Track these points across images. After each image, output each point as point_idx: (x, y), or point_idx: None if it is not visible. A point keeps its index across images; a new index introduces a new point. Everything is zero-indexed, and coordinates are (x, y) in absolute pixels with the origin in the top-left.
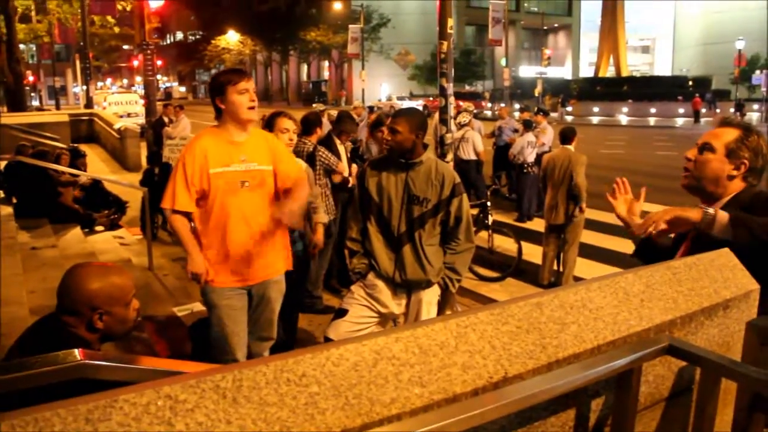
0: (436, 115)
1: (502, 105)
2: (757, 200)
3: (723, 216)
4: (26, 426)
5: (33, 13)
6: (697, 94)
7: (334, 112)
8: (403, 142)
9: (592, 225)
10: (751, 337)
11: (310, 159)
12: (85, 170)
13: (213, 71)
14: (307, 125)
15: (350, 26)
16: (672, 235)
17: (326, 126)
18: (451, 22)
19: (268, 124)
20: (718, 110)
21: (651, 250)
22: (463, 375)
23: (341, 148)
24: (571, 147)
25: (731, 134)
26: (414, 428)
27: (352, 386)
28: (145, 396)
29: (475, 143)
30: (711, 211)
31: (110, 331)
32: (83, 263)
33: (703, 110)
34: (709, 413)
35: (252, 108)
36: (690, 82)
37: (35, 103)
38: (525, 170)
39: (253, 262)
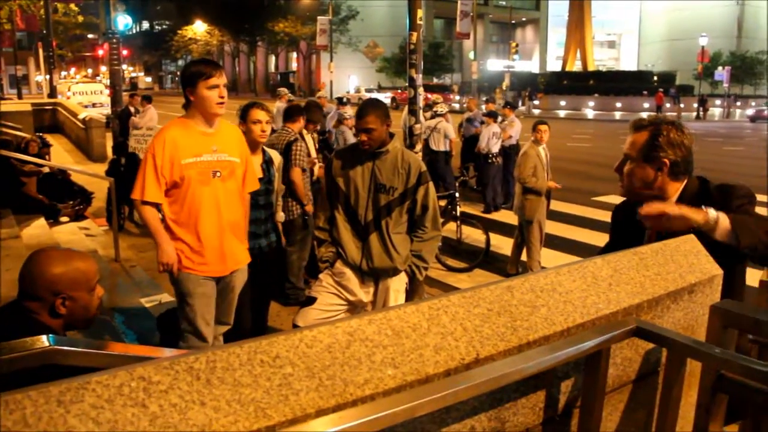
0: (406, 108)
1: (470, 97)
2: (718, 192)
3: (724, 220)
4: None
5: None
6: (660, 90)
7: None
8: (379, 137)
9: (558, 216)
10: (714, 319)
11: (288, 148)
12: (49, 160)
13: (180, 62)
14: (290, 113)
15: (319, 18)
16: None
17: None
18: (420, 13)
19: (242, 116)
20: (682, 105)
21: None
22: (436, 356)
23: (308, 138)
24: (533, 140)
25: (642, 137)
26: (387, 409)
27: (325, 367)
28: (118, 378)
29: (447, 132)
30: (713, 214)
31: (73, 317)
32: (46, 248)
33: (668, 105)
34: (674, 394)
35: (221, 104)
36: (655, 78)
37: None
38: (489, 161)
39: (225, 251)
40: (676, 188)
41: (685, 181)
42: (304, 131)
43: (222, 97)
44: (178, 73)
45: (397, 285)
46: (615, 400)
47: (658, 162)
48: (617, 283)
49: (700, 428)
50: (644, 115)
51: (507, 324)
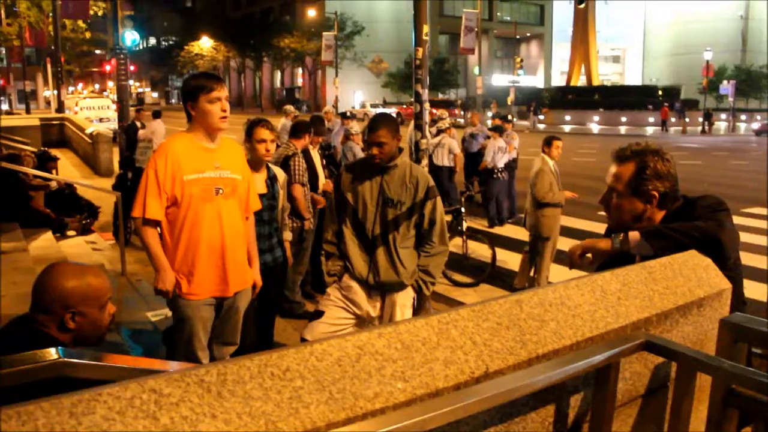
0: (412, 123)
1: (474, 111)
2: (687, 205)
3: (635, 235)
4: (9, 420)
5: (2, 16)
6: (665, 104)
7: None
8: (390, 151)
9: (564, 231)
10: (724, 333)
11: (285, 162)
12: (56, 174)
13: (186, 77)
14: (297, 129)
15: (324, 34)
16: None
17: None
18: (426, 28)
19: (248, 132)
20: (687, 119)
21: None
22: (445, 370)
23: (314, 153)
24: (544, 155)
25: (629, 170)
26: (397, 422)
27: (335, 381)
28: (129, 390)
29: (452, 147)
30: (620, 236)
31: (82, 333)
32: (61, 261)
33: (672, 119)
34: (684, 409)
35: (223, 118)
36: (660, 92)
37: (5, 107)
38: (495, 175)
39: (227, 272)
40: (662, 215)
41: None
42: (310, 146)
43: (224, 111)
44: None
45: (404, 300)
46: (625, 415)
47: (648, 195)
48: (626, 297)
49: None
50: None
51: (516, 338)
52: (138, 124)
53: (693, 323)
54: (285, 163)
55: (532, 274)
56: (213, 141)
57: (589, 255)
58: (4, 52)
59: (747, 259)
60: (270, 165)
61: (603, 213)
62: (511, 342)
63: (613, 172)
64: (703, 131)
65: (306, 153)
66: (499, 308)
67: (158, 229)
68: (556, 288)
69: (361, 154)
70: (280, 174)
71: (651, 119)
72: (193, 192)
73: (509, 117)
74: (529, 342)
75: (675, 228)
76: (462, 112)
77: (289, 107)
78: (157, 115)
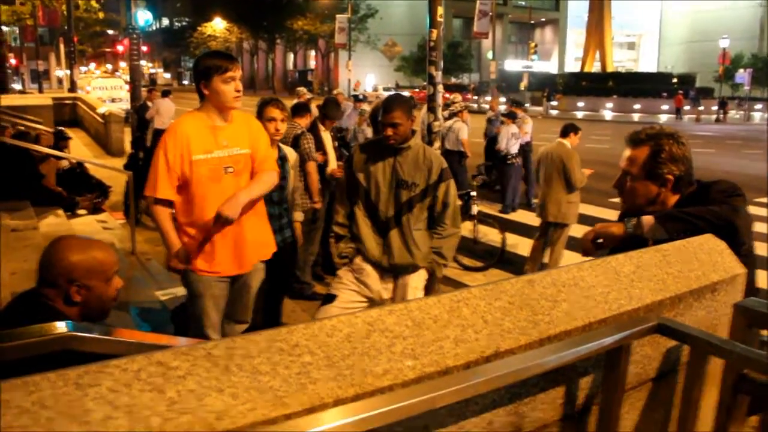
0: (425, 106)
1: (489, 98)
2: (702, 189)
3: (648, 219)
4: (15, 390)
5: None
6: (680, 92)
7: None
8: (404, 132)
9: (579, 218)
10: (738, 318)
11: (296, 142)
12: (68, 153)
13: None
14: (297, 109)
15: (338, 16)
16: None
17: (314, 114)
18: (440, 10)
19: (258, 113)
20: (701, 107)
21: None
22: (456, 348)
23: (326, 135)
24: (566, 142)
25: (643, 153)
26: (406, 399)
27: (344, 357)
28: (136, 362)
29: (460, 132)
30: (633, 220)
31: (88, 306)
32: (66, 235)
33: (687, 107)
34: (695, 393)
35: (237, 98)
36: (674, 80)
37: (17, 86)
38: (508, 161)
39: (239, 250)
40: (676, 199)
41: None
42: (322, 128)
43: (238, 91)
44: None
45: (416, 282)
46: (634, 398)
47: (662, 179)
48: (639, 280)
49: (721, 429)
50: (646, 124)
51: (528, 318)
52: (149, 104)
53: (706, 307)
54: (295, 142)
55: (545, 260)
56: (224, 120)
57: (601, 240)
58: (17, 31)
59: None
60: (281, 145)
61: (615, 199)
62: (523, 322)
63: (628, 155)
64: (717, 120)
65: (313, 132)
66: (511, 288)
67: (171, 207)
68: (569, 269)
69: (371, 136)
70: (291, 154)
71: (665, 107)
72: (202, 172)
73: (523, 102)
74: (540, 322)
75: (689, 211)
76: (475, 97)
77: (302, 89)
78: (165, 94)
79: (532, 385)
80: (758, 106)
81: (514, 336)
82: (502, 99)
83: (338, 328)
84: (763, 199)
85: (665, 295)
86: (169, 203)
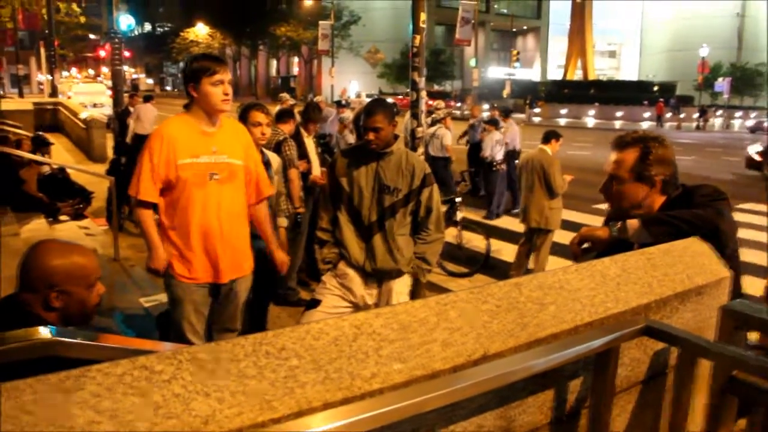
0: (408, 113)
1: (475, 104)
2: (685, 194)
3: (633, 222)
4: None
5: None
6: (661, 99)
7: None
8: (386, 137)
9: (562, 224)
10: (724, 320)
11: (278, 148)
12: (50, 159)
13: (181, 64)
14: (281, 115)
15: (320, 23)
16: None
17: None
18: (423, 16)
19: (242, 117)
20: (682, 115)
21: None
22: (443, 352)
23: (309, 142)
24: (547, 148)
25: (631, 155)
26: (395, 403)
27: (332, 360)
28: (120, 366)
29: (444, 139)
30: (618, 224)
31: (68, 312)
32: (47, 239)
33: (668, 115)
34: (684, 395)
35: (226, 101)
36: (655, 88)
37: None
38: (494, 168)
39: (221, 258)
40: (662, 201)
41: (666, 198)
42: (304, 133)
43: (227, 94)
44: (179, 75)
45: (401, 287)
46: (624, 401)
47: (651, 180)
48: (625, 283)
49: (710, 431)
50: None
51: (515, 321)
52: (131, 109)
53: (692, 310)
54: (277, 148)
55: (530, 266)
56: (213, 124)
57: (587, 244)
58: None
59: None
60: (264, 150)
61: (599, 205)
62: (511, 325)
63: (614, 159)
64: (698, 127)
65: (297, 139)
66: (498, 291)
67: (154, 210)
68: (555, 272)
69: (353, 142)
70: (275, 159)
71: (646, 114)
72: (186, 176)
73: (511, 111)
74: (528, 325)
75: (674, 215)
76: (459, 104)
77: (285, 95)
78: (147, 99)
79: (520, 389)
80: (737, 114)
81: (502, 339)
82: (485, 106)
83: (325, 331)
84: (754, 206)
85: (651, 298)
86: (151, 204)
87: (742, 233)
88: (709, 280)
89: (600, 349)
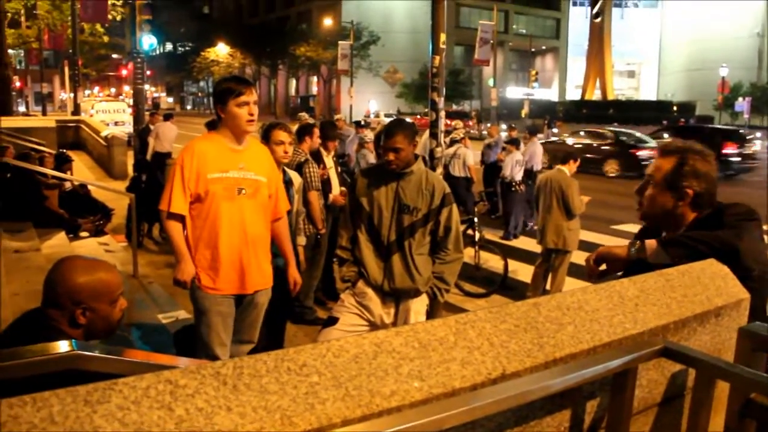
0: (426, 132)
1: (489, 124)
2: (719, 214)
3: (651, 243)
4: (24, 406)
5: (23, 18)
6: (682, 120)
7: None
8: (406, 157)
9: (581, 245)
10: (743, 342)
11: (298, 168)
12: (71, 175)
13: (202, 83)
14: (300, 132)
15: (340, 43)
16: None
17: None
18: (443, 37)
19: (265, 136)
20: None
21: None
22: (462, 370)
23: (328, 160)
24: (565, 169)
25: (668, 164)
26: (413, 420)
27: (352, 377)
28: (145, 380)
29: (466, 158)
30: (637, 243)
31: (93, 328)
32: (72, 256)
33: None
34: (702, 418)
35: (251, 122)
36: (674, 107)
37: (21, 108)
38: (512, 188)
39: (247, 270)
40: (693, 217)
41: (696, 216)
42: (324, 152)
43: (252, 115)
44: (200, 94)
45: (419, 307)
46: (640, 423)
47: (681, 191)
48: (644, 304)
49: None
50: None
51: (533, 340)
52: (151, 127)
53: (710, 332)
54: (299, 169)
55: (547, 287)
56: (240, 143)
57: (604, 266)
58: (22, 54)
59: None
60: (286, 169)
61: (617, 226)
62: (529, 344)
63: (655, 164)
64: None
65: (316, 157)
66: (516, 311)
67: (183, 222)
68: (574, 293)
69: (374, 162)
70: (296, 178)
71: (665, 135)
72: (216, 190)
73: (536, 129)
74: (546, 345)
75: (692, 236)
76: (477, 124)
77: (303, 114)
78: (167, 117)
79: (538, 408)
80: (758, 134)
81: (520, 358)
82: (503, 126)
83: (345, 348)
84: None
85: (669, 320)
86: (180, 217)
87: None
88: (728, 301)
89: (618, 370)
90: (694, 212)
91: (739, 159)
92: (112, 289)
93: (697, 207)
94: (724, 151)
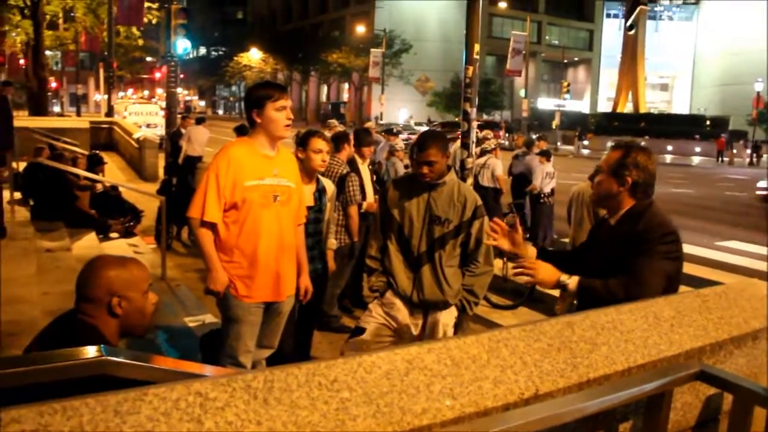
0: (458, 142)
1: (519, 134)
2: (645, 223)
3: (573, 283)
4: (54, 414)
5: (60, 21)
6: (723, 135)
7: None
8: (440, 169)
9: None
10: None
11: (341, 181)
12: (103, 177)
13: (234, 88)
14: (335, 142)
15: (372, 50)
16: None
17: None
18: (477, 47)
19: (302, 143)
20: (734, 150)
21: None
22: (495, 389)
23: (363, 168)
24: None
25: (615, 155)
26: None
27: (383, 394)
28: (175, 392)
29: (495, 169)
30: (563, 279)
31: (129, 319)
32: (102, 254)
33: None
34: None
35: (288, 126)
36: (707, 122)
37: (56, 109)
38: (541, 201)
39: (282, 277)
40: (626, 206)
41: (634, 203)
42: (359, 159)
43: (289, 119)
44: (231, 98)
45: (447, 319)
46: None
47: (623, 179)
48: (679, 325)
49: None
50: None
51: (567, 360)
52: (183, 131)
53: (747, 355)
54: (341, 182)
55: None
56: (273, 149)
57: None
58: (59, 56)
59: None
60: (320, 177)
61: None
62: (562, 364)
63: (607, 155)
64: (750, 163)
65: (351, 166)
66: (550, 329)
67: (213, 230)
68: (608, 312)
69: (402, 171)
70: (329, 187)
71: (698, 149)
72: (253, 198)
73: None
74: (580, 365)
75: (606, 285)
76: (507, 134)
77: (333, 121)
78: (200, 121)
79: (571, 429)
80: None
81: (553, 378)
82: (534, 136)
83: (377, 364)
84: None
85: (706, 342)
86: (213, 225)
87: None
88: (765, 324)
89: (652, 393)
90: (632, 199)
91: None
92: (143, 280)
93: (634, 194)
94: None
